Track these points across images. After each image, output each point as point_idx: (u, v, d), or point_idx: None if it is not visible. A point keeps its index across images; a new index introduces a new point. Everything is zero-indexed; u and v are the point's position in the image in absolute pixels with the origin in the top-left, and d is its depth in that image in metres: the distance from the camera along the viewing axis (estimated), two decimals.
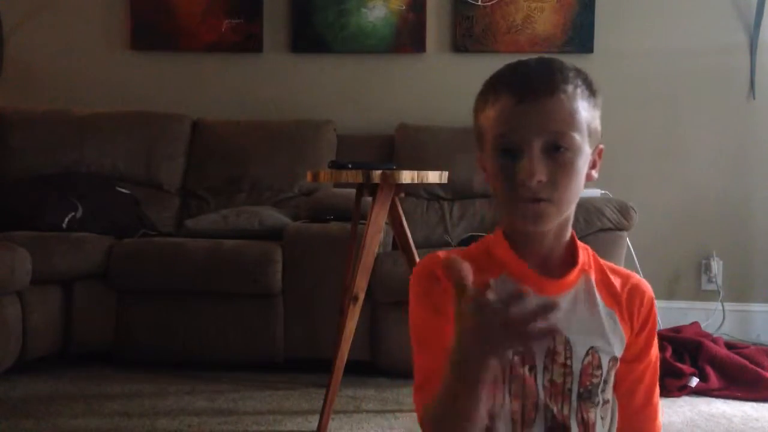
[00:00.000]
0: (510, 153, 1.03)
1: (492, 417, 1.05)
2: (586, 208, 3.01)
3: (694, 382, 2.79)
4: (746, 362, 2.86)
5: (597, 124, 1.08)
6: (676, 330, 3.15)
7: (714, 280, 3.77)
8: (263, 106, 3.93)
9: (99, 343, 3.05)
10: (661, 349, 2.92)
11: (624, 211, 3.06)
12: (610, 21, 3.83)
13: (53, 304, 2.95)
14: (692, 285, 3.82)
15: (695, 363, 2.90)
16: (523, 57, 1.10)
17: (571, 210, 1.08)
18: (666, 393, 2.76)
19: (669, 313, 3.66)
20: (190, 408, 2.56)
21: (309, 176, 2.46)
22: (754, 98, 3.79)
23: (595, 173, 1.10)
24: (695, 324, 3.32)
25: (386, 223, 2.57)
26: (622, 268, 1.15)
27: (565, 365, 1.05)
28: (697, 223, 3.81)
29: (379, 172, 2.31)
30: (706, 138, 3.82)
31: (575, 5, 3.82)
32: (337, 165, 2.52)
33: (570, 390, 1.05)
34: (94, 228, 3.14)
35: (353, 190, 2.70)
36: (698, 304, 3.77)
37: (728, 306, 3.74)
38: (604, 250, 2.96)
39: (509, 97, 1.03)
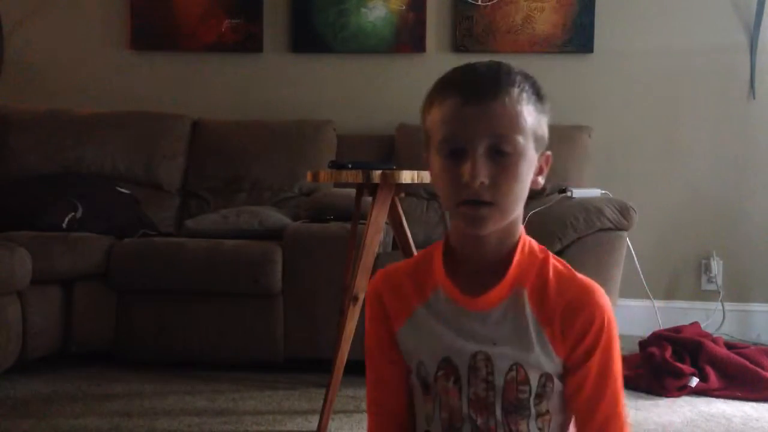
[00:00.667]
0: (454, 154, 1.03)
1: (429, 420, 1.11)
2: (586, 208, 3.01)
3: (694, 382, 2.79)
4: (746, 362, 2.86)
5: (544, 130, 1.08)
6: (676, 330, 3.15)
7: (714, 280, 3.77)
8: (263, 106, 3.94)
9: (99, 343, 3.05)
10: (661, 349, 2.92)
11: (624, 211, 3.05)
12: (610, 21, 3.83)
13: (53, 304, 2.94)
14: (692, 285, 3.82)
15: (695, 363, 2.90)
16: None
17: (516, 214, 1.07)
18: (666, 393, 2.76)
19: (669, 313, 3.66)
20: (190, 408, 2.56)
21: (309, 176, 2.46)
22: (754, 98, 3.79)
23: (541, 180, 1.10)
24: (695, 324, 3.31)
25: (386, 223, 2.57)
26: (577, 276, 1.09)
27: (486, 380, 1.06)
28: (697, 223, 3.81)
29: (379, 172, 2.31)
30: (706, 138, 3.82)
31: (575, 5, 3.82)
32: (337, 165, 2.52)
33: (493, 404, 1.06)
34: (94, 228, 3.14)
35: (353, 190, 2.70)
36: (698, 304, 3.77)
37: (728, 306, 3.74)
38: (603, 250, 2.96)
39: (454, 99, 1.04)
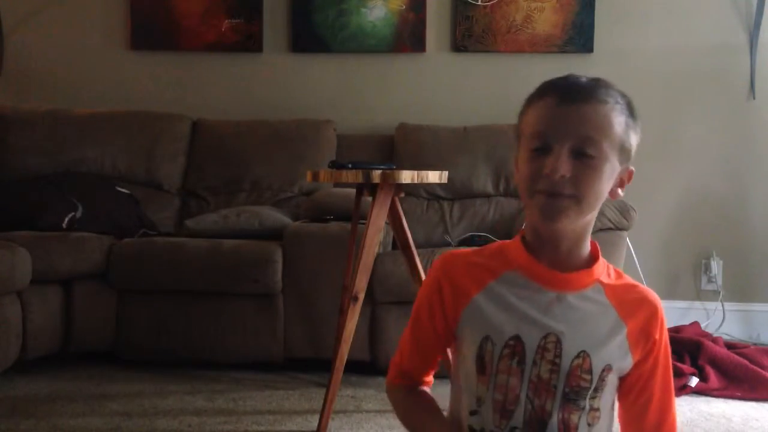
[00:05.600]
0: (541, 150, 1.06)
1: (479, 402, 1.10)
2: None
3: (694, 381, 2.79)
4: (746, 362, 2.86)
5: (632, 145, 1.12)
6: (676, 330, 3.15)
7: (714, 280, 3.77)
8: (263, 106, 3.94)
9: (99, 343, 3.05)
10: None
11: (624, 211, 3.06)
12: (610, 21, 3.83)
13: (53, 304, 2.94)
14: (692, 285, 3.82)
15: (695, 363, 2.90)
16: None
17: (591, 216, 1.11)
18: None
19: (669, 313, 3.63)
20: (190, 408, 2.56)
21: (309, 176, 2.46)
22: (754, 98, 3.79)
23: (621, 192, 1.14)
24: (695, 324, 3.32)
25: (386, 223, 2.57)
26: (640, 285, 1.16)
27: (553, 362, 1.08)
28: (697, 223, 3.81)
29: (379, 172, 2.31)
30: (706, 138, 3.82)
31: (575, 5, 3.82)
32: (337, 165, 2.52)
33: (555, 387, 1.07)
34: (94, 228, 3.14)
35: (353, 190, 2.70)
36: (698, 304, 3.77)
37: (728, 306, 3.74)
38: (604, 250, 2.95)
39: (550, 99, 1.07)
